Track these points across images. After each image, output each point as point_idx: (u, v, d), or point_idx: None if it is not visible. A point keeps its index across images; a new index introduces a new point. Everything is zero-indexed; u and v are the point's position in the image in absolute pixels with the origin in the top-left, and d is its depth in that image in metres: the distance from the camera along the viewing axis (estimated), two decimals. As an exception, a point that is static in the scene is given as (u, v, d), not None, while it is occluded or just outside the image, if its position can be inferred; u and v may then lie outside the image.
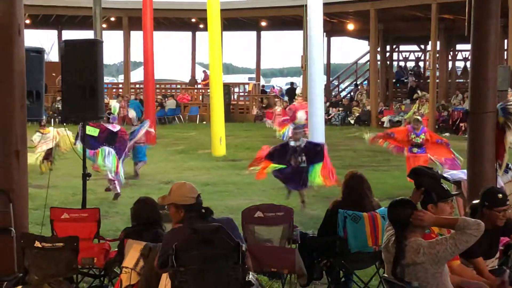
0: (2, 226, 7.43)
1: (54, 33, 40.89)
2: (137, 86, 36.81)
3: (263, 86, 42.55)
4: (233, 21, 35.16)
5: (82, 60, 8.16)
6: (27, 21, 35.54)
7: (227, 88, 32.31)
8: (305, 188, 11.81)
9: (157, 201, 5.70)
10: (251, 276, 5.05)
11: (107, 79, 54.80)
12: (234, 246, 4.97)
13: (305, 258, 6.83)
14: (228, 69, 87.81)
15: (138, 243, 5.70)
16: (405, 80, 36.24)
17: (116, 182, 12.91)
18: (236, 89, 36.76)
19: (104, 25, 30.96)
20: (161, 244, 5.26)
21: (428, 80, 29.46)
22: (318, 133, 16.10)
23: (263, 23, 37.21)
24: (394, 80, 36.53)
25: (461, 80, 33.81)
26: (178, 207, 5.31)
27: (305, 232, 7.36)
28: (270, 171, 11.73)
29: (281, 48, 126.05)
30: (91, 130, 11.93)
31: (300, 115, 14.96)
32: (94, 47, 8.28)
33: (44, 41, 47.55)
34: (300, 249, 6.94)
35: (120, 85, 39.27)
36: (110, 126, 13.05)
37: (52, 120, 26.24)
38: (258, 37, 39.82)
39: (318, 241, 7.07)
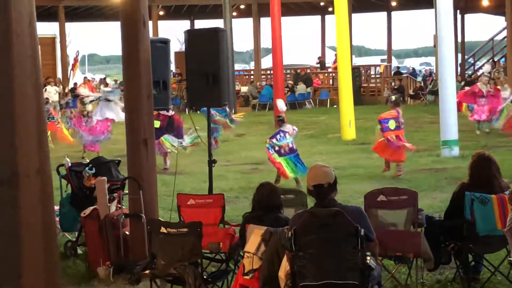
0: (133, 213, 7.72)
1: (187, 23, 41.96)
2: (268, 72, 37.10)
3: (397, 67, 41.82)
4: (363, 2, 34.77)
5: (205, 48, 8.29)
6: (161, 13, 36.71)
7: (357, 71, 32.01)
8: None
9: None
10: (371, 261, 4.98)
11: (239, 66, 55.73)
12: (353, 231, 4.91)
13: (431, 242, 6.66)
14: (361, 51, 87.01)
15: (259, 228, 5.75)
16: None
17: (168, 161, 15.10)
18: (367, 71, 36.30)
19: (234, 13, 31.47)
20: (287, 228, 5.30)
21: None
22: (450, 115, 15.67)
23: (393, 3, 36.56)
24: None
25: None
26: (307, 188, 5.29)
27: (431, 215, 7.18)
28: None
29: (414, 28, 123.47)
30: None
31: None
32: (216, 36, 8.38)
33: (179, 32, 48.89)
34: (426, 232, 6.77)
35: (252, 72, 39.75)
36: (165, 113, 14.42)
37: (187, 108, 26.88)
38: (389, 18, 39.20)
39: (444, 224, 6.88)
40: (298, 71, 35.54)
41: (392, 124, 13.20)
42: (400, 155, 13.25)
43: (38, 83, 4.13)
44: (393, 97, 13.96)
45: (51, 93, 28.01)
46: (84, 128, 16.85)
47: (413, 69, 43.36)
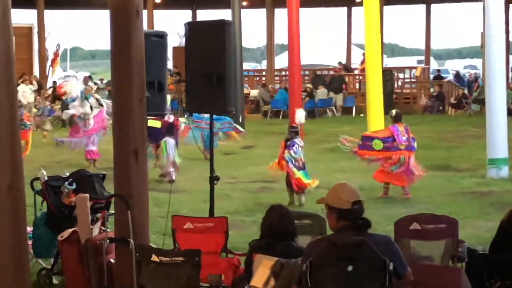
0: (120, 237, 7.70)
1: (188, 13, 42.01)
2: (283, 73, 37.10)
3: (437, 70, 41.75)
4: (397, -8, 34.84)
5: (208, 44, 8.33)
6: (158, 1, 36.83)
7: (390, 74, 31.97)
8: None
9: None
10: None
11: (249, 65, 55.87)
12: (380, 264, 4.92)
13: (474, 279, 6.67)
14: (394, 50, 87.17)
15: (268, 259, 5.76)
16: None
17: (173, 170, 15.41)
18: (401, 75, 36.25)
19: (244, 3, 31.55)
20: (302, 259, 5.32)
21: None
22: (499, 127, 15.63)
23: (433, -5, 36.66)
24: None
25: None
26: (331, 209, 5.33)
27: (473, 248, 7.18)
28: None
29: (458, 24, 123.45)
30: (154, 123, 14.31)
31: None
32: (222, 29, 8.42)
33: (179, 24, 48.98)
34: (468, 268, 6.81)
35: (263, 72, 39.74)
36: (165, 118, 15.22)
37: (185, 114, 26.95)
38: (428, 11, 39.22)
39: (490, 258, 6.89)
40: (329, 72, 35.50)
41: (377, 145, 13.54)
42: (396, 178, 13.48)
43: (12, 83, 4.14)
44: (394, 111, 13.95)
45: (26, 92, 28.04)
46: (82, 133, 17.17)
47: (456, 72, 43.28)
